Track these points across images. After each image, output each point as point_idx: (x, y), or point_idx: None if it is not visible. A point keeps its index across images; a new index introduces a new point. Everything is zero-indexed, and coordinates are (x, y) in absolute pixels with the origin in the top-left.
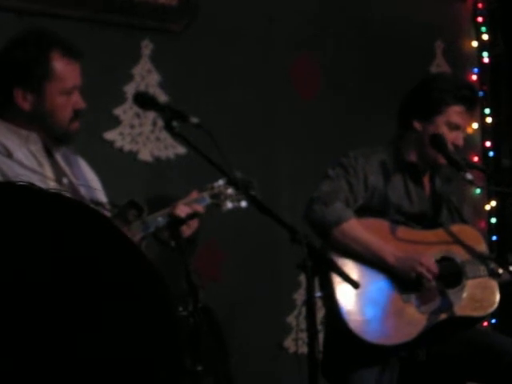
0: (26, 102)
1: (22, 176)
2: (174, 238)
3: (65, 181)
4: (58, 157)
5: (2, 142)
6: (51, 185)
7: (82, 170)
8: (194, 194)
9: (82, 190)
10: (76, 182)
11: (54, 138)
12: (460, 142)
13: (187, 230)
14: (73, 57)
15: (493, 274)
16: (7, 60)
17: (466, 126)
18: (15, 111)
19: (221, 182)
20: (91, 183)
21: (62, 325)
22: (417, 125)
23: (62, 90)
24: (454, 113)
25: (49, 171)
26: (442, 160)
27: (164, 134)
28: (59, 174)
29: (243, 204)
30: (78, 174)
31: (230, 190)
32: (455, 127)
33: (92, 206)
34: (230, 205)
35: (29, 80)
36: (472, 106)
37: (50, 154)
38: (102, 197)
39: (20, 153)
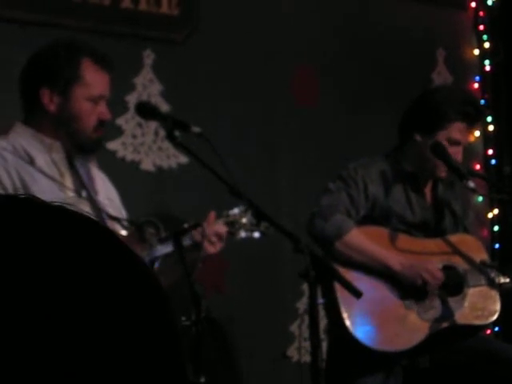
0: (53, 103)
1: (42, 183)
2: (176, 248)
3: (84, 193)
4: (80, 169)
5: (25, 149)
6: (70, 195)
7: (103, 184)
8: (212, 215)
9: (101, 204)
10: (95, 195)
11: (77, 147)
12: (459, 157)
13: (211, 248)
14: (103, 66)
15: (492, 284)
16: (37, 61)
17: (466, 141)
18: (41, 115)
19: (236, 211)
20: (110, 198)
21: (61, 337)
22: (418, 137)
23: (88, 96)
24: (456, 129)
25: (69, 181)
26: (443, 173)
27: (166, 144)
28: (79, 185)
29: (256, 234)
30: (97, 188)
31: (244, 220)
32: (455, 143)
33: (106, 219)
34: (243, 234)
35: (57, 81)
36: (474, 123)
37: (71, 166)
38: (120, 212)
39: (42, 160)
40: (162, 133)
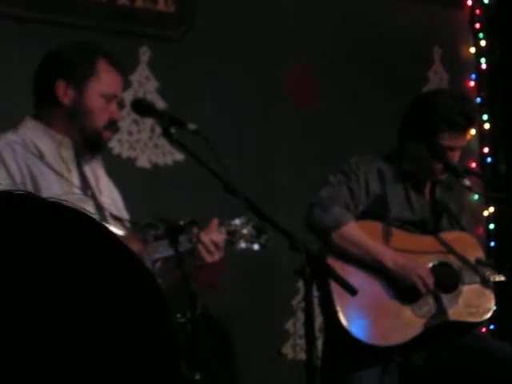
0: (67, 96)
1: (50, 178)
2: (173, 246)
3: (88, 193)
4: (86, 169)
5: (35, 143)
6: (76, 191)
7: (107, 186)
8: (215, 222)
9: (104, 204)
10: (99, 195)
11: (85, 142)
12: (455, 160)
13: (208, 257)
14: (118, 68)
15: (485, 281)
16: (54, 55)
17: (461, 145)
18: (54, 108)
19: (237, 221)
20: (113, 198)
21: (58, 334)
22: (412, 144)
23: (102, 93)
24: (447, 138)
25: (75, 179)
26: (441, 176)
27: (162, 141)
28: (84, 184)
29: (256, 247)
30: (101, 188)
31: (245, 231)
32: (449, 149)
33: (108, 219)
34: (243, 245)
35: (73, 74)
36: (466, 130)
37: (79, 165)
38: (122, 214)
39: (51, 155)
40: (158, 130)
